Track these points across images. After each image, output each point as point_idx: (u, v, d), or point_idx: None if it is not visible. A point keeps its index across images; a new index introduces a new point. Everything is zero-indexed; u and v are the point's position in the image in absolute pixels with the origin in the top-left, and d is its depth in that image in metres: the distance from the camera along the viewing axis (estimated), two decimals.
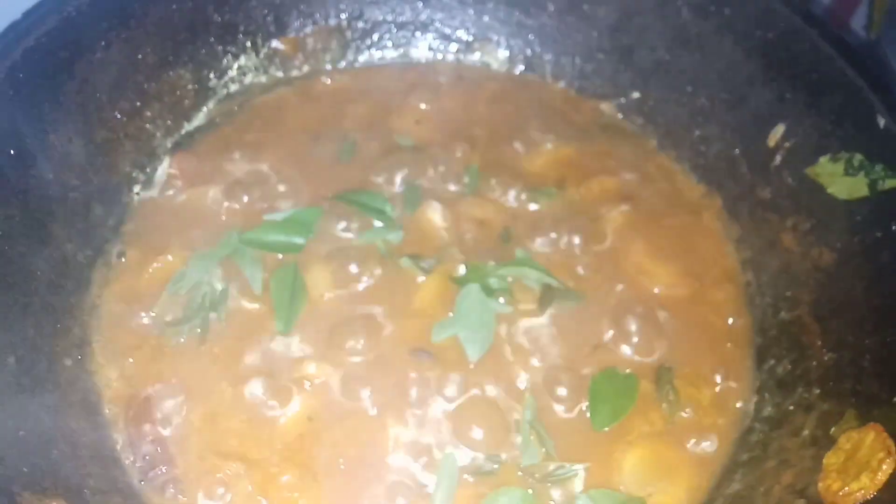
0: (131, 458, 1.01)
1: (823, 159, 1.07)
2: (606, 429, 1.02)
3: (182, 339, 1.08)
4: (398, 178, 1.24)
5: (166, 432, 1.02)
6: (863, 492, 0.83)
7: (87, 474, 0.96)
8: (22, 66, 1.03)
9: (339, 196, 1.20)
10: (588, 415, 1.03)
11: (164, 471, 1.00)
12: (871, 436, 0.87)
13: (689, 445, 1.02)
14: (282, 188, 1.24)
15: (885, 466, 0.83)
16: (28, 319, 1.02)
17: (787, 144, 1.13)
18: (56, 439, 0.96)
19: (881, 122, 1.01)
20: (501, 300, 1.10)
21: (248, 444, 1.01)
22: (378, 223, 1.18)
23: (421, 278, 1.13)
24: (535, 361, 1.07)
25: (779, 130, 1.14)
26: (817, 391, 0.99)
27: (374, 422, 1.03)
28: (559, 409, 1.04)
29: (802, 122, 1.11)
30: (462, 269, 1.13)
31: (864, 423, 0.89)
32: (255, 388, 1.04)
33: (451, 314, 1.09)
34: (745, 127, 1.20)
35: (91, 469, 0.98)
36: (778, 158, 1.14)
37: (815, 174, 1.08)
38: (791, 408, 1.01)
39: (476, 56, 1.43)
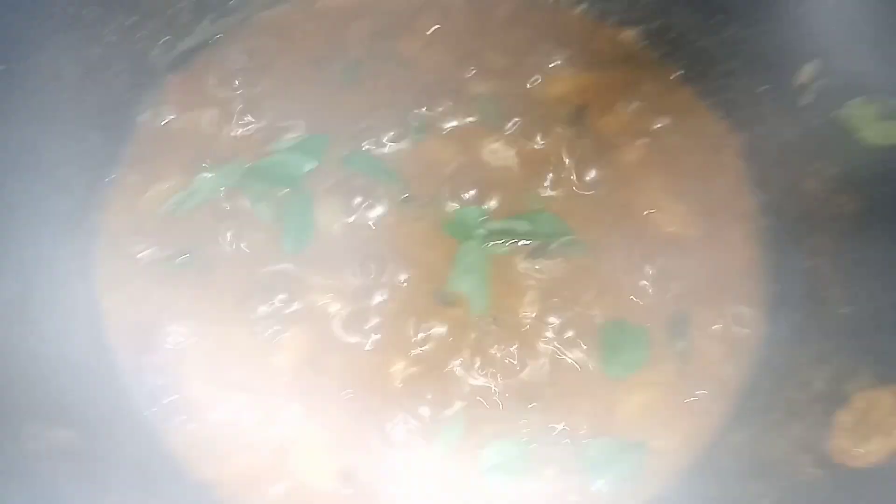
0: (138, 387, 1.01)
1: (856, 101, 1.01)
2: (623, 378, 1.01)
3: (186, 267, 1.06)
4: (403, 107, 1.18)
5: (173, 361, 1.02)
6: (874, 455, 0.82)
7: (93, 403, 0.96)
8: None
9: (345, 160, 1.14)
10: (596, 360, 1.02)
11: (171, 399, 1.00)
12: (886, 398, 0.85)
13: (694, 392, 1.02)
14: (284, 111, 1.18)
15: None
16: (26, 241, 0.99)
17: (817, 83, 1.07)
18: (61, 368, 0.96)
19: None
20: (502, 244, 1.08)
21: (254, 374, 1.01)
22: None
23: (418, 221, 1.10)
24: (542, 304, 1.05)
25: (811, 67, 1.07)
26: (831, 344, 0.97)
27: (377, 355, 1.02)
28: (566, 352, 1.03)
29: (837, 60, 1.04)
30: (462, 215, 1.10)
31: (878, 381, 0.87)
32: (261, 317, 1.04)
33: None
34: (774, 62, 1.11)
35: (97, 398, 0.98)
36: (807, 98, 1.08)
37: (846, 117, 1.02)
38: (803, 359, 0.99)
39: None
